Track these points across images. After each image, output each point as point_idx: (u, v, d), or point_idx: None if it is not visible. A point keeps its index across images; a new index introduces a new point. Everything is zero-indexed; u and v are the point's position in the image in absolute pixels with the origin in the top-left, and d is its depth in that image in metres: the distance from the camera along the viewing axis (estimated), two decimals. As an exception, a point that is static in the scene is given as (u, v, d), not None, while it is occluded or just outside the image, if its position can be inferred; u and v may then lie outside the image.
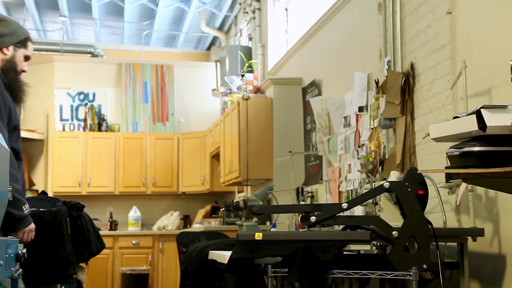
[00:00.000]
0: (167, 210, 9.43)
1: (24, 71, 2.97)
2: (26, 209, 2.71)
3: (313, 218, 2.55)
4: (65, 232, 3.91)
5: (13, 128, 2.78)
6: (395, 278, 2.49)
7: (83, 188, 9.04)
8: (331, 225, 2.66)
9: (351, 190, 5.16)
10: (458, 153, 2.18)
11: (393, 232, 2.48)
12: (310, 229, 3.56)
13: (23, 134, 9.02)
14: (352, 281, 3.35)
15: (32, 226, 2.79)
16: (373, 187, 3.93)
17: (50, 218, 3.89)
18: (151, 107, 9.61)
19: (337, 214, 2.60)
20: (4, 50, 2.89)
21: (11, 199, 2.19)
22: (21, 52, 2.91)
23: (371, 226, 2.58)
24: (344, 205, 2.55)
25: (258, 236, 2.54)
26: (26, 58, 2.95)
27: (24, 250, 2.21)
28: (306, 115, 6.73)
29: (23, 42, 2.91)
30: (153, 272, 8.38)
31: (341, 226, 3.58)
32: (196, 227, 7.66)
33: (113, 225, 8.95)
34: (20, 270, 2.23)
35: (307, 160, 6.59)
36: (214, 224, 7.62)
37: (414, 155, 4.14)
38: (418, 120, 4.15)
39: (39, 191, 5.27)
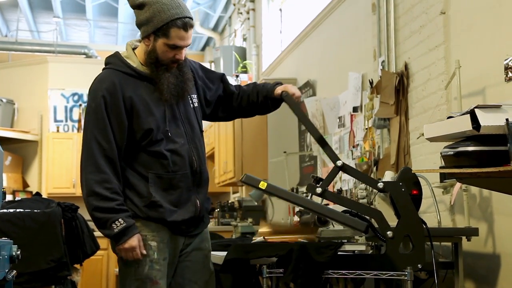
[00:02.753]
0: (162, 211, 9.40)
1: (174, 62, 2.51)
2: (117, 226, 2.40)
3: (319, 190, 2.52)
4: (59, 233, 3.90)
5: (145, 131, 2.48)
6: (390, 278, 2.50)
7: (78, 190, 9.01)
8: (336, 201, 2.59)
9: (346, 190, 5.16)
10: (452, 153, 2.19)
11: (388, 232, 2.48)
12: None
13: (16, 135, 9.03)
14: (347, 281, 3.35)
15: (131, 243, 2.44)
16: (368, 188, 3.93)
17: (44, 220, 3.89)
18: (145, 108, 9.59)
19: (344, 196, 2.58)
20: (145, 41, 2.50)
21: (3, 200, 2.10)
22: (159, 42, 2.46)
23: (370, 219, 2.56)
24: (339, 162, 2.51)
25: (262, 185, 2.51)
26: (173, 46, 2.47)
27: (18, 252, 2.21)
28: (300, 116, 6.72)
29: (161, 29, 2.44)
30: (148, 273, 8.36)
31: (337, 228, 3.58)
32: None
33: (108, 226, 8.93)
34: (14, 271, 2.23)
35: (302, 160, 6.59)
36: (209, 225, 7.59)
37: (408, 155, 4.15)
38: (412, 120, 4.15)
39: (33, 193, 5.27)
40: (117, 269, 2.59)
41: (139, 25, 2.54)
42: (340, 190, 2.88)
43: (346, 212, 2.55)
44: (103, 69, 2.61)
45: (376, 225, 2.53)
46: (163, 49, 2.48)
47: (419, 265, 2.45)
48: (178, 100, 2.56)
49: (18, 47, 10.13)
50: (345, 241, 3.39)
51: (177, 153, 2.53)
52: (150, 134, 2.49)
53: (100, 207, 2.42)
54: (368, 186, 3.90)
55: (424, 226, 2.52)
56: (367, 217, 2.56)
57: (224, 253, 2.83)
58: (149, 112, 2.49)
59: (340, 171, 2.55)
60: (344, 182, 5.23)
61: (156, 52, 2.49)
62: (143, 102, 2.49)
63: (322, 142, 2.55)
